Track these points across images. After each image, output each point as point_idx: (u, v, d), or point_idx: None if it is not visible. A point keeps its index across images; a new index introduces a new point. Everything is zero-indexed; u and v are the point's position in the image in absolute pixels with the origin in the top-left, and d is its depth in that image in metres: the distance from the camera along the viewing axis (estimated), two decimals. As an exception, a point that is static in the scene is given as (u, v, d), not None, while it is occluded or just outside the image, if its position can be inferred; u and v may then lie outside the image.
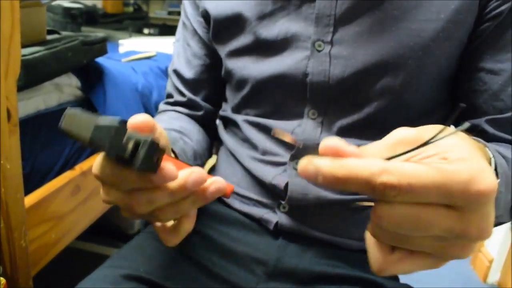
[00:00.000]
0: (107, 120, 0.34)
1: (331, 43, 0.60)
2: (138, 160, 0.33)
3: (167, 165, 0.36)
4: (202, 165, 0.75)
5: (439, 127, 0.31)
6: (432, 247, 0.30)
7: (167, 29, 2.99)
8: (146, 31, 2.89)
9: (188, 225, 0.43)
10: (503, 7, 0.56)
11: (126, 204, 0.38)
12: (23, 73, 0.73)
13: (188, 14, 0.75)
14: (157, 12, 3.77)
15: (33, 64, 0.78)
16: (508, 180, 0.45)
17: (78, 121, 0.35)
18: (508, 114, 0.58)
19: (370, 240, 0.33)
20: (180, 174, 0.38)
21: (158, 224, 0.44)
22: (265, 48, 0.64)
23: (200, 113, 0.79)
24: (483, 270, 1.91)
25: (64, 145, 0.99)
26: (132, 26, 2.82)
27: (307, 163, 0.30)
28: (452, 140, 0.31)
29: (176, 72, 0.79)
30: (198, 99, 0.78)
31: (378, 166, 0.27)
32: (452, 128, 0.31)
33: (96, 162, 0.38)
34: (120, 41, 1.96)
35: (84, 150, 1.07)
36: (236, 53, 0.67)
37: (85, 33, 1.02)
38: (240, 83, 0.68)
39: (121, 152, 0.33)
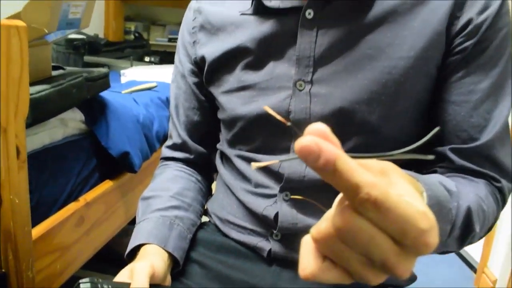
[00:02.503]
0: None
1: (311, 82, 0.65)
2: None
3: None
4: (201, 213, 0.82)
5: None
6: (356, 266, 0.32)
7: (167, 56, 3.05)
8: (147, 58, 2.96)
9: None
10: (467, 43, 0.60)
11: None
12: (30, 112, 0.76)
13: (182, 60, 0.81)
14: (158, 39, 3.85)
15: (40, 102, 0.83)
16: (443, 211, 0.49)
17: None
18: (472, 145, 0.61)
19: (307, 246, 0.34)
20: None
21: None
22: (253, 89, 0.69)
23: (192, 156, 0.84)
24: (486, 291, 1.92)
25: (68, 177, 1.03)
26: (133, 54, 2.89)
27: (311, 140, 0.29)
28: (397, 173, 0.34)
29: (173, 112, 0.85)
30: (191, 141, 0.83)
31: (373, 180, 0.29)
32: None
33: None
34: (122, 71, 2.01)
35: (88, 181, 1.10)
36: (227, 94, 0.72)
37: (89, 69, 1.06)
38: (232, 121, 0.73)
39: None
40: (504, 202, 0.65)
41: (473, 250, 2.33)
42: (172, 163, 0.86)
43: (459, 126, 0.62)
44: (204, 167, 0.87)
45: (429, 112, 0.66)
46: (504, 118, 0.62)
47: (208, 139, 0.84)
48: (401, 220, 0.29)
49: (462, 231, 0.55)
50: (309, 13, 0.64)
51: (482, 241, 2.17)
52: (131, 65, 2.47)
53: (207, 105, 0.81)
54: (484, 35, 0.59)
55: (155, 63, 2.87)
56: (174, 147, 0.86)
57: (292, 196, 0.68)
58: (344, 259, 0.32)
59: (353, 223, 0.30)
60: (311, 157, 0.29)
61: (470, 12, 0.59)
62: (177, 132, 0.84)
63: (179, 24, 0.84)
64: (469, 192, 0.57)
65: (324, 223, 0.32)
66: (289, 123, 0.36)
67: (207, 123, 0.82)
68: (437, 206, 0.47)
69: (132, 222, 1.30)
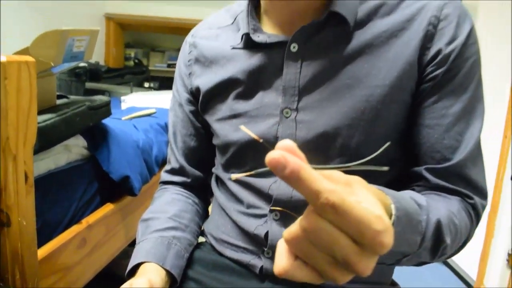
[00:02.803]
0: None
1: (297, 110, 0.70)
2: None
3: None
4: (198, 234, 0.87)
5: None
6: (323, 265, 0.37)
7: (166, 82, 3.14)
8: (146, 84, 3.04)
9: None
10: (437, 72, 0.65)
11: None
12: (37, 139, 0.82)
13: (179, 90, 0.87)
14: (157, 65, 3.94)
15: (46, 130, 0.88)
16: (413, 223, 0.53)
17: None
18: (445, 165, 0.66)
19: (281, 246, 0.40)
20: None
21: None
22: (243, 116, 0.75)
23: (189, 180, 0.90)
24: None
25: (71, 200, 1.08)
26: (133, 80, 2.97)
27: (280, 154, 0.34)
28: (360, 184, 0.40)
29: (172, 139, 0.91)
30: (188, 166, 0.89)
31: (332, 187, 0.35)
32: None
33: None
34: (122, 98, 2.08)
35: (90, 205, 1.15)
36: (221, 121, 0.78)
37: (91, 97, 1.12)
38: (225, 147, 0.78)
39: None
40: (478, 218, 0.69)
41: (469, 267, 2.36)
42: (170, 186, 0.91)
43: (433, 147, 0.67)
44: (201, 190, 0.92)
45: (406, 136, 0.71)
46: (475, 139, 0.67)
47: (204, 164, 0.90)
48: (357, 221, 0.35)
49: (433, 242, 0.59)
50: (294, 47, 0.70)
51: (477, 258, 2.20)
52: (131, 91, 2.54)
53: (203, 132, 0.86)
54: (452, 64, 0.65)
55: (155, 89, 2.94)
56: (172, 171, 0.91)
57: (272, 207, 0.73)
58: (312, 258, 0.38)
59: (316, 225, 0.36)
60: (279, 167, 0.34)
61: (439, 43, 0.65)
62: (175, 158, 0.90)
63: (178, 49, 0.90)
64: (440, 206, 0.62)
65: (294, 226, 0.38)
66: (261, 140, 0.42)
67: (203, 149, 0.88)
68: (406, 217, 0.51)
69: (132, 244, 1.35)
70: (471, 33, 0.66)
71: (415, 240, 0.56)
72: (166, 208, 0.84)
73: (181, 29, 3.36)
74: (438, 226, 0.59)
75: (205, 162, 0.89)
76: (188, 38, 0.87)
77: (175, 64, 1.02)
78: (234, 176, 0.42)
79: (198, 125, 0.86)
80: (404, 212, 0.51)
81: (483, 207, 0.70)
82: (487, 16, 2.47)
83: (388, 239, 0.35)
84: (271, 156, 0.34)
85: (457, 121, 0.66)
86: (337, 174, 0.39)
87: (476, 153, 0.68)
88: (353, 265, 0.36)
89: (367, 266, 0.36)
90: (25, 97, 0.76)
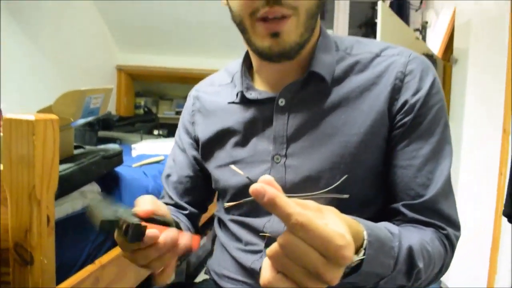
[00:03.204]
0: (109, 214, 0.59)
1: (286, 156, 0.80)
2: (129, 236, 0.58)
3: (150, 233, 0.59)
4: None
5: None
6: (299, 276, 0.46)
7: (175, 129, 3.26)
8: (156, 132, 3.18)
9: (170, 271, 0.67)
10: (406, 119, 0.75)
11: (133, 260, 0.64)
12: (58, 186, 0.93)
13: (181, 137, 0.99)
14: (165, 112, 4.10)
15: (66, 178, 0.99)
16: (385, 248, 0.61)
17: (94, 214, 0.60)
18: (419, 200, 0.74)
19: (266, 262, 0.48)
20: (162, 235, 0.61)
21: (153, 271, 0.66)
22: (240, 163, 0.85)
23: (186, 212, 0.98)
24: None
25: (86, 242, 1.18)
26: (143, 128, 3.11)
27: (260, 186, 0.46)
28: (330, 211, 0.50)
29: (166, 180, 1.00)
30: (183, 203, 0.98)
31: (300, 211, 0.44)
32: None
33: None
34: (133, 146, 2.20)
35: (103, 246, 1.25)
36: (221, 168, 0.88)
37: (105, 147, 1.24)
38: (225, 191, 0.88)
39: (120, 234, 0.58)
40: (452, 247, 0.76)
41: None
42: None
43: (407, 185, 0.75)
44: (193, 219, 1.00)
45: (382, 177, 0.80)
46: (445, 176, 0.76)
47: (197, 205, 0.99)
48: (322, 238, 0.44)
49: (406, 266, 0.65)
50: (281, 102, 0.81)
51: (485, 281, 2.21)
52: (141, 139, 2.67)
53: (200, 175, 0.96)
54: (418, 112, 0.75)
55: (163, 136, 3.07)
56: (166, 204, 0.98)
57: (266, 243, 0.81)
58: (289, 271, 0.47)
59: (290, 241, 0.45)
60: (260, 196, 0.46)
61: (405, 95, 0.75)
62: (169, 196, 0.98)
63: (185, 97, 1.03)
64: (413, 235, 0.70)
65: (274, 244, 0.48)
66: (247, 176, 0.54)
67: (198, 193, 0.98)
68: (378, 242, 0.59)
69: (141, 285, 1.42)
70: (434, 84, 0.77)
71: (388, 263, 0.62)
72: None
73: (187, 78, 3.53)
74: (410, 252, 0.66)
75: (198, 204, 0.99)
76: (192, 92, 0.99)
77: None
78: (227, 204, 0.53)
79: (197, 168, 0.96)
80: (375, 238, 0.59)
81: (457, 238, 0.77)
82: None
83: (349, 253, 0.45)
84: (254, 187, 0.46)
85: (427, 161, 0.75)
86: (311, 203, 0.50)
87: (447, 189, 0.76)
88: (322, 275, 0.45)
89: (334, 276, 0.46)
90: (49, 150, 0.87)
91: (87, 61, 3.22)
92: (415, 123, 0.75)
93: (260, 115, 0.83)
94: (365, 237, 0.57)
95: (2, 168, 0.86)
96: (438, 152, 0.76)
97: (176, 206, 0.99)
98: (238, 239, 0.87)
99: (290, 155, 0.80)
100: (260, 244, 0.83)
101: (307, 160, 0.78)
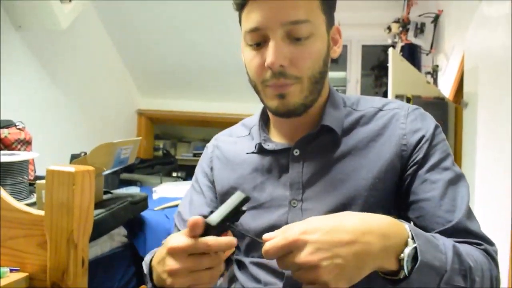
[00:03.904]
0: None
1: (302, 200, 0.87)
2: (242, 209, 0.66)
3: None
4: None
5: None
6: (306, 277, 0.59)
7: (192, 170, 3.36)
8: (174, 174, 3.28)
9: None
10: (417, 158, 0.83)
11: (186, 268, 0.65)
12: (91, 231, 1.02)
13: (199, 180, 1.04)
14: (183, 154, 4.20)
15: (98, 223, 1.08)
16: (432, 243, 0.67)
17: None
18: (450, 225, 0.78)
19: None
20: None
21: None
22: (259, 208, 0.92)
23: None
24: None
25: (113, 282, 1.26)
26: (162, 170, 3.22)
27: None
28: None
29: (177, 216, 1.05)
30: None
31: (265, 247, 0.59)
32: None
33: (175, 239, 0.66)
34: (154, 189, 2.30)
35: (129, 285, 1.32)
36: None
37: (132, 193, 1.34)
38: (244, 234, 0.93)
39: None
40: (494, 261, 0.77)
41: None
42: None
43: (435, 214, 0.80)
44: None
45: (399, 214, 0.86)
46: (466, 201, 0.80)
47: None
48: (280, 246, 0.62)
49: (458, 264, 0.69)
50: (296, 152, 0.89)
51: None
52: (161, 181, 2.77)
53: None
54: (428, 150, 0.83)
55: (182, 178, 3.17)
56: None
57: (284, 283, 0.87)
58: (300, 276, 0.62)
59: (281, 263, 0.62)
60: (269, 256, 0.61)
61: (412, 140, 0.84)
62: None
63: (202, 140, 1.13)
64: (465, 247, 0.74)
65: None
66: (260, 240, 0.64)
67: None
68: (422, 236, 0.66)
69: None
70: (436, 125, 0.87)
71: (440, 257, 0.67)
72: None
73: (204, 122, 3.66)
74: (456, 249, 0.70)
75: None
76: (212, 141, 1.08)
77: (199, 154, 1.19)
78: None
79: (213, 209, 1.01)
80: (419, 232, 0.66)
81: (495, 252, 0.79)
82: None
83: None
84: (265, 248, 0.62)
85: (447, 189, 0.81)
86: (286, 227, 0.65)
87: (471, 212, 0.81)
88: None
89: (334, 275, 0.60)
90: (86, 198, 0.97)
91: (109, 106, 3.38)
92: (426, 159, 0.83)
93: (276, 164, 0.92)
94: (408, 228, 0.66)
95: (44, 214, 0.96)
96: (454, 180, 0.82)
97: None
98: (257, 280, 0.93)
99: (306, 199, 0.87)
100: (279, 284, 0.89)
101: (322, 203, 0.86)
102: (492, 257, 0.77)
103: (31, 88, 2.45)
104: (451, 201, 0.81)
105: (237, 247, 1.01)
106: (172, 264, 0.66)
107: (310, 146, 0.89)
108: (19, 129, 1.73)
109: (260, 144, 0.94)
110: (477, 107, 2.72)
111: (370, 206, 0.84)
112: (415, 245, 0.64)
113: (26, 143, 1.69)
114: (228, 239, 0.66)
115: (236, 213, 0.65)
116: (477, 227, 0.80)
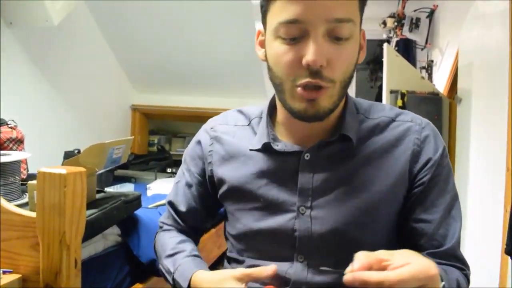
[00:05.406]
0: None
1: (311, 208, 0.84)
2: None
3: None
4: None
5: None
6: None
7: (187, 166, 3.36)
8: (169, 170, 3.26)
9: None
10: (424, 178, 0.84)
11: None
12: (84, 231, 1.02)
13: (191, 170, 1.00)
14: (178, 149, 4.18)
15: (91, 223, 1.08)
16: (450, 280, 0.75)
17: None
18: (442, 249, 0.83)
19: None
20: None
21: None
22: (264, 209, 0.87)
23: (187, 230, 1.03)
24: None
25: (107, 281, 1.26)
26: (157, 166, 3.20)
27: (352, 277, 0.63)
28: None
29: (171, 205, 1.04)
30: (187, 227, 1.02)
31: (386, 274, 0.62)
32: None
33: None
34: (148, 185, 2.29)
35: (122, 284, 1.32)
36: (243, 211, 0.90)
37: (125, 192, 1.33)
38: (246, 234, 0.91)
39: None
40: (468, 284, 0.85)
41: None
42: (166, 227, 1.04)
43: (431, 237, 0.84)
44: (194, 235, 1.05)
45: (402, 230, 0.87)
46: (459, 226, 0.85)
47: (198, 229, 1.05)
48: (413, 277, 0.63)
49: None
50: (307, 156, 0.85)
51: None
52: (155, 177, 2.77)
53: (205, 204, 1.00)
54: (435, 172, 0.84)
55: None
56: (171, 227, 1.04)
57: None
58: None
59: None
60: (352, 284, 0.63)
61: (424, 157, 0.85)
62: (174, 220, 1.03)
63: None
64: (452, 271, 0.81)
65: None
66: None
67: (199, 218, 1.02)
68: (444, 272, 0.73)
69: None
70: (444, 148, 0.87)
71: None
72: (183, 246, 0.96)
73: (199, 117, 3.63)
74: (458, 284, 0.79)
75: (199, 228, 1.05)
76: (208, 131, 0.99)
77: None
78: None
79: (203, 205, 1.00)
80: (443, 274, 0.73)
81: (469, 277, 0.87)
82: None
83: (434, 268, 0.66)
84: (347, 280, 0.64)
85: (445, 216, 0.85)
86: (382, 254, 0.66)
87: (459, 237, 0.86)
88: None
89: None
90: (78, 199, 0.97)
91: (103, 102, 3.36)
92: (433, 182, 0.85)
93: (284, 166, 0.87)
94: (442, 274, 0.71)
95: (35, 215, 0.96)
96: (452, 206, 0.86)
97: (180, 229, 1.02)
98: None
99: (315, 207, 0.84)
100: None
101: (332, 213, 0.84)
102: (468, 281, 0.86)
103: (24, 85, 2.43)
104: (447, 226, 0.85)
105: (234, 246, 0.97)
106: None
107: (322, 152, 0.86)
108: (10, 127, 1.72)
109: (269, 144, 0.88)
110: (471, 102, 2.73)
111: (381, 218, 0.85)
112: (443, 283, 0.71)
113: (18, 142, 1.69)
114: None
115: None
116: (462, 253, 0.86)
